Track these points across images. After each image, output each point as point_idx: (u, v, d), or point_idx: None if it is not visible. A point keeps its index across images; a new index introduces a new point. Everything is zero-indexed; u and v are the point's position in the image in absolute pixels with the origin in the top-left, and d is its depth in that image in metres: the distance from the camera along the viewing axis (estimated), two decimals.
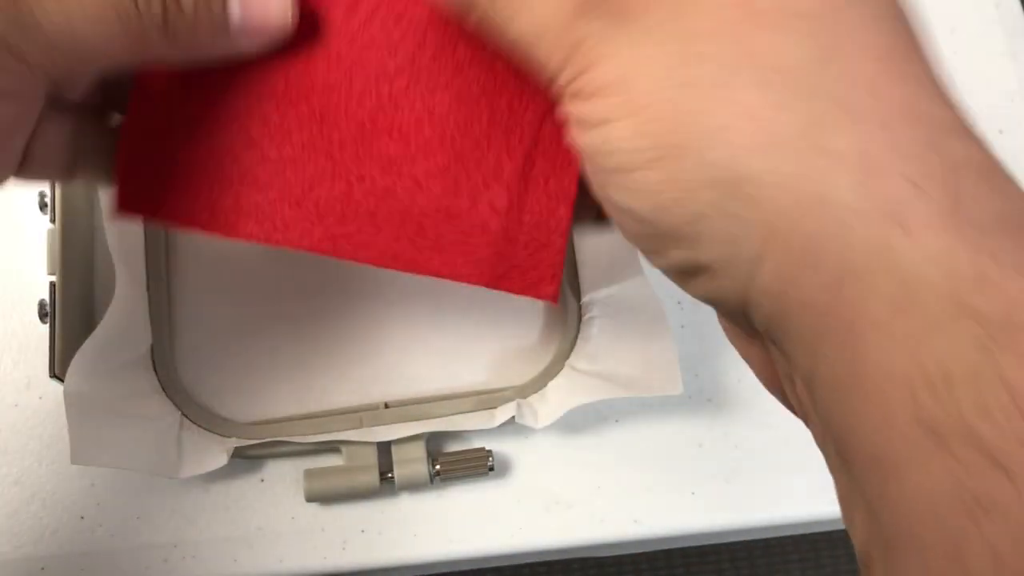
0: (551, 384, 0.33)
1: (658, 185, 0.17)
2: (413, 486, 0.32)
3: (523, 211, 0.24)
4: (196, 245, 0.34)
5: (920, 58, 0.17)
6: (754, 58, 0.16)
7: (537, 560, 0.34)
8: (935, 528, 0.13)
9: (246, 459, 0.32)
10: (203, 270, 0.34)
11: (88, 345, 0.30)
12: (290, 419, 0.32)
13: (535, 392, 0.33)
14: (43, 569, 0.31)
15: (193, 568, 0.31)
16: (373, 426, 0.32)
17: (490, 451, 0.32)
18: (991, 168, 0.16)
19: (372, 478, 0.31)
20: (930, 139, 0.16)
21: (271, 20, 0.21)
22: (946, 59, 0.44)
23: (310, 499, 0.31)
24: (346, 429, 0.32)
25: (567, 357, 0.33)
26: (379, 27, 0.24)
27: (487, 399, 0.32)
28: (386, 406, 0.33)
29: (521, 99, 0.24)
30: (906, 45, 0.17)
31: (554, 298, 0.25)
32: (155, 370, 0.32)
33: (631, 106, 0.17)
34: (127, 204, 0.25)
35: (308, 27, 0.24)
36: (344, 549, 0.32)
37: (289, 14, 0.21)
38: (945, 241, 0.14)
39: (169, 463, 0.30)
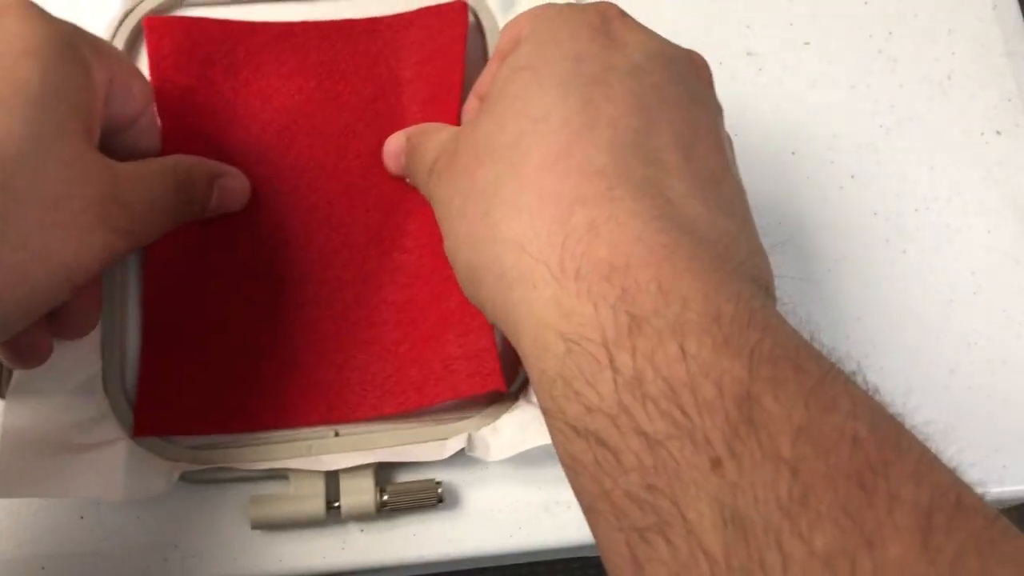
0: (504, 417, 0.32)
1: (456, 269, 0.26)
2: (360, 517, 0.31)
3: (465, 335, 0.32)
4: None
5: (579, 150, 0.23)
6: (475, 184, 0.25)
7: (537, 560, 0.34)
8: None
9: (191, 484, 0.32)
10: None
11: (23, 373, 0.29)
12: (238, 444, 0.32)
13: (487, 424, 0.32)
14: (43, 568, 0.31)
15: (193, 567, 0.31)
16: (321, 454, 0.31)
17: (439, 482, 0.31)
18: (608, 221, 0.22)
19: (318, 507, 0.31)
20: (560, 215, 0.22)
21: (234, 206, 0.33)
22: (944, 60, 0.44)
23: (255, 526, 0.31)
24: (294, 457, 0.31)
25: (521, 390, 0.33)
26: (331, 252, 0.34)
27: (439, 429, 0.32)
28: (336, 434, 0.32)
29: (444, 284, 0.33)
30: (569, 147, 0.23)
31: (503, 386, 0.31)
32: (106, 392, 0.31)
33: (441, 224, 0.27)
34: (148, 427, 0.31)
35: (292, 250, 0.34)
36: (344, 549, 0.32)
37: (246, 200, 0.34)
38: (552, 291, 0.22)
39: (112, 487, 0.30)
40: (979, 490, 0.19)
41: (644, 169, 0.23)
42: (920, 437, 0.19)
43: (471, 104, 0.32)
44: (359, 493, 0.31)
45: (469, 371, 0.31)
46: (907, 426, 0.19)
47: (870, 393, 0.20)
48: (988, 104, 0.39)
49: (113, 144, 0.31)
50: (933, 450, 0.19)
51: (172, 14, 0.36)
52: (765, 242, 0.37)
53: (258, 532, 0.32)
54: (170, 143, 0.33)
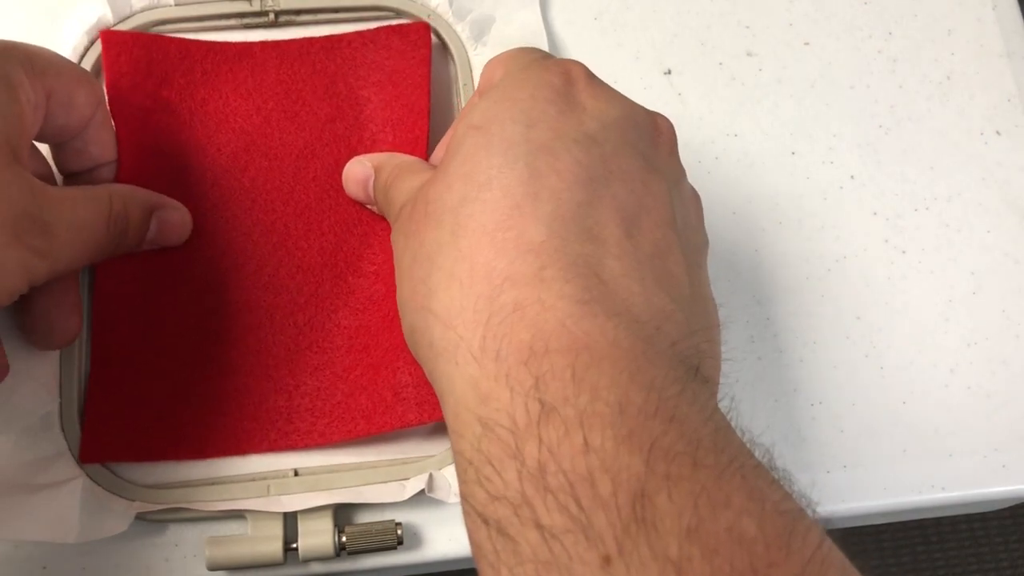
0: None
1: (402, 324, 0.26)
2: (318, 558, 0.31)
3: (414, 363, 0.30)
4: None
5: (517, 224, 0.23)
6: (421, 246, 0.25)
7: None
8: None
9: (147, 523, 0.31)
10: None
11: None
12: (195, 483, 0.31)
13: (449, 464, 0.32)
14: (44, 568, 0.31)
15: (194, 567, 0.31)
16: (280, 494, 0.31)
17: (399, 524, 0.31)
18: (535, 304, 0.22)
19: (276, 549, 0.30)
20: (488, 293, 0.22)
21: (173, 239, 0.33)
22: (944, 60, 0.44)
23: (212, 568, 0.30)
24: (252, 497, 0.31)
25: None
26: (285, 275, 0.34)
27: (399, 469, 0.32)
28: (295, 473, 0.32)
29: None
30: (508, 219, 0.23)
31: None
32: (62, 430, 0.31)
33: (395, 275, 0.27)
34: (95, 452, 0.31)
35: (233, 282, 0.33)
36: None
37: (187, 234, 0.33)
38: (471, 371, 0.22)
39: (66, 529, 0.29)
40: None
41: (581, 246, 0.23)
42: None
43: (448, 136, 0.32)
44: (317, 535, 0.30)
45: (418, 400, 0.31)
46: (809, 518, 0.19)
47: (778, 481, 0.20)
48: (988, 104, 0.39)
49: (64, 151, 0.31)
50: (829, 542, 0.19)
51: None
52: (766, 242, 0.37)
53: (215, 573, 0.31)
54: (123, 163, 0.33)
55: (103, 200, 0.30)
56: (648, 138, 0.26)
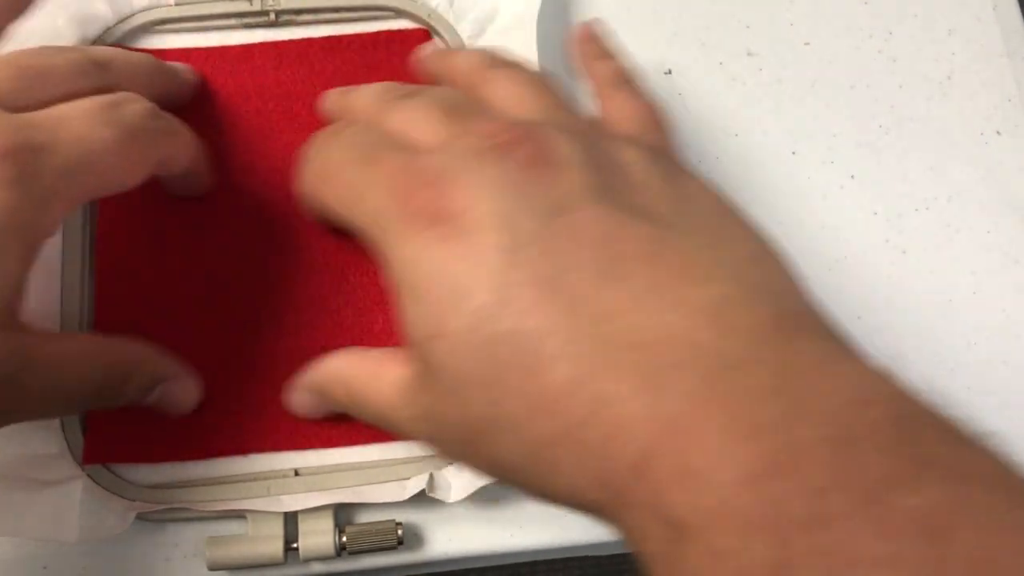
0: None
1: None
2: (319, 558, 0.31)
3: None
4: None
5: (676, 282, 0.22)
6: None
7: (537, 559, 0.34)
8: None
9: (146, 522, 0.31)
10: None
11: None
12: (195, 483, 0.31)
13: (450, 463, 0.32)
14: (45, 568, 0.31)
15: (194, 567, 0.31)
16: (280, 494, 0.31)
17: (399, 523, 0.31)
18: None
19: (276, 549, 0.30)
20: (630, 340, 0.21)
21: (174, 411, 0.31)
22: (944, 60, 0.44)
23: (212, 568, 0.30)
24: (252, 497, 0.31)
25: None
26: (286, 273, 0.33)
27: (399, 469, 0.32)
28: (296, 473, 0.32)
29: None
30: (667, 273, 0.22)
31: None
32: (63, 430, 0.31)
33: None
34: (98, 454, 0.31)
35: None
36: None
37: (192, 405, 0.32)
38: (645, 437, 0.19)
39: (66, 527, 0.29)
40: None
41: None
42: None
43: None
44: (318, 534, 0.30)
45: None
46: None
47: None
48: (988, 104, 0.39)
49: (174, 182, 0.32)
50: None
51: (139, 44, 0.36)
52: None
53: (215, 573, 0.31)
54: None
55: (98, 369, 0.28)
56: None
